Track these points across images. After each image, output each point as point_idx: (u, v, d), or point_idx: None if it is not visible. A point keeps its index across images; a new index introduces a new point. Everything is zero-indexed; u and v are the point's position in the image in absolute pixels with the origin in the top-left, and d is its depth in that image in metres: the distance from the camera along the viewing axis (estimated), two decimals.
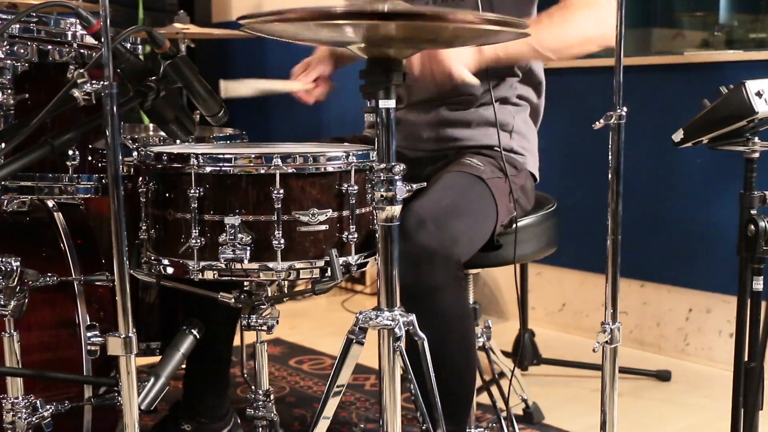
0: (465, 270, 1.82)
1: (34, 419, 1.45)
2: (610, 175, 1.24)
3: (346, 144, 1.75)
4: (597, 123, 1.23)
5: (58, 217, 1.69)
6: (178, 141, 1.66)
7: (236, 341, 2.09)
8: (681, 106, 2.72)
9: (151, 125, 2.36)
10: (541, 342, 2.75)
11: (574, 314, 3.17)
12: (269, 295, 1.58)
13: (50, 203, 1.72)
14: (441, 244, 1.55)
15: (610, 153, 1.23)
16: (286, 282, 1.53)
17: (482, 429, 1.97)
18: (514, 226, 1.78)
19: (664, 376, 2.63)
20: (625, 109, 1.23)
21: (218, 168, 1.40)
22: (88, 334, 1.34)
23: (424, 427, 1.40)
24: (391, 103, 1.31)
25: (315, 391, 2.54)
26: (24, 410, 1.43)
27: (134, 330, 1.18)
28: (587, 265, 3.09)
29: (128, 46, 1.41)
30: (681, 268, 2.84)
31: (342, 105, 3.74)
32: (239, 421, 2.08)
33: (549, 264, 3.15)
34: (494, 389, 2.10)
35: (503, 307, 3.39)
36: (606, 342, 1.26)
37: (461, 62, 1.64)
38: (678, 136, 1.49)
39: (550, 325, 3.22)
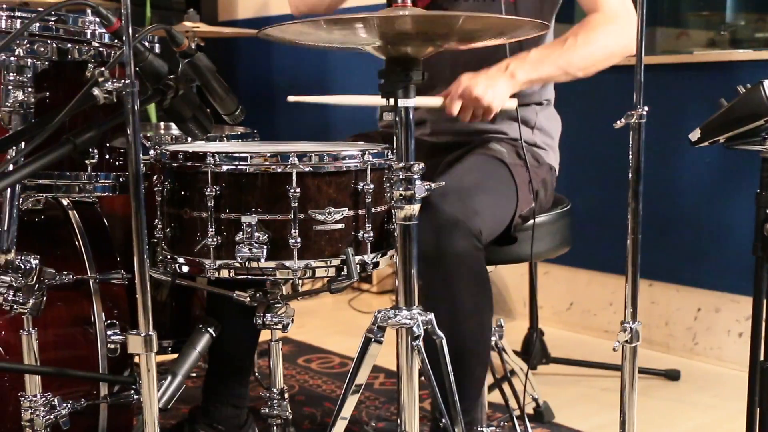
0: None
1: (51, 417, 1.45)
2: (630, 174, 1.24)
3: (361, 143, 1.75)
4: (618, 122, 1.23)
5: (73, 215, 1.69)
6: (189, 139, 1.66)
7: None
8: (690, 105, 2.73)
9: (162, 123, 2.36)
10: (549, 341, 2.75)
11: (582, 313, 3.16)
12: (284, 293, 1.58)
13: (65, 201, 1.72)
14: (463, 214, 1.60)
15: (630, 152, 1.23)
16: (301, 281, 1.53)
17: (494, 428, 1.97)
18: (531, 221, 1.79)
19: (673, 375, 2.63)
20: (646, 108, 1.23)
21: (235, 166, 1.40)
22: (108, 333, 1.34)
23: (441, 424, 1.40)
24: (411, 102, 1.31)
25: (324, 390, 2.54)
26: (42, 408, 1.44)
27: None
28: (595, 265, 3.08)
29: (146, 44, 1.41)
30: (689, 268, 2.84)
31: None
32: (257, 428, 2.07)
33: (557, 263, 3.15)
34: (505, 387, 2.10)
35: (510, 306, 3.39)
36: (626, 341, 1.26)
37: (500, 99, 1.69)
38: (695, 135, 1.49)
39: (558, 325, 3.22)
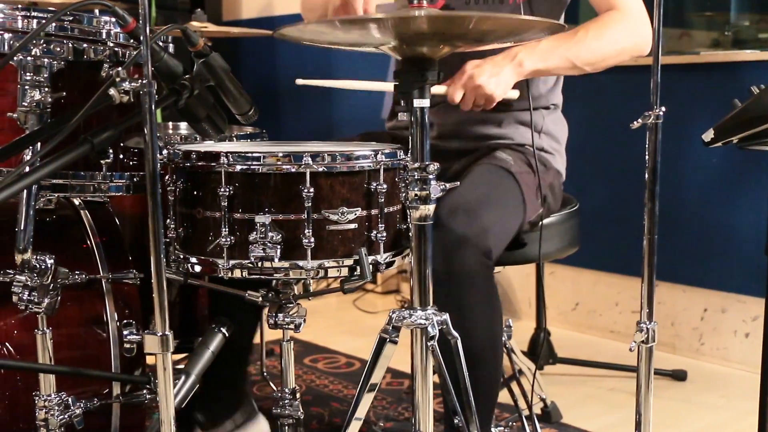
0: None
1: (66, 417, 1.45)
2: (646, 175, 1.24)
3: (373, 143, 1.75)
4: (635, 123, 1.23)
5: (85, 214, 1.69)
6: (198, 139, 1.66)
7: (255, 339, 2.09)
8: (696, 105, 2.73)
9: (170, 123, 2.36)
10: (555, 341, 2.75)
11: (588, 314, 3.17)
12: (296, 293, 1.58)
13: (76, 201, 1.72)
14: (472, 232, 1.57)
15: (646, 152, 1.23)
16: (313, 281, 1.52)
17: (502, 428, 1.97)
18: (539, 223, 1.79)
19: (680, 375, 2.63)
20: (663, 108, 1.23)
21: (248, 166, 1.40)
22: (125, 332, 1.34)
23: (455, 423, 1.40)
24: (426, 103, 1.32)
25: (331, 390, 2.54)
26: (56, 408, 1.44)
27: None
28: (601, 265, 3.09)
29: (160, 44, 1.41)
30: (696, 268, 2.84)
31: (352, 103, 3.74)
32: (257, 408, 2.06)
33: (562, 263, 3.15)
34: (514, 387, 2.11)
35: (516, 306, 3.39)
36: (642, 341, 1.27)
37: (502, 88, 1.68)
38: (708, 135, 1.49)
39: (564, 325, 3.22)
